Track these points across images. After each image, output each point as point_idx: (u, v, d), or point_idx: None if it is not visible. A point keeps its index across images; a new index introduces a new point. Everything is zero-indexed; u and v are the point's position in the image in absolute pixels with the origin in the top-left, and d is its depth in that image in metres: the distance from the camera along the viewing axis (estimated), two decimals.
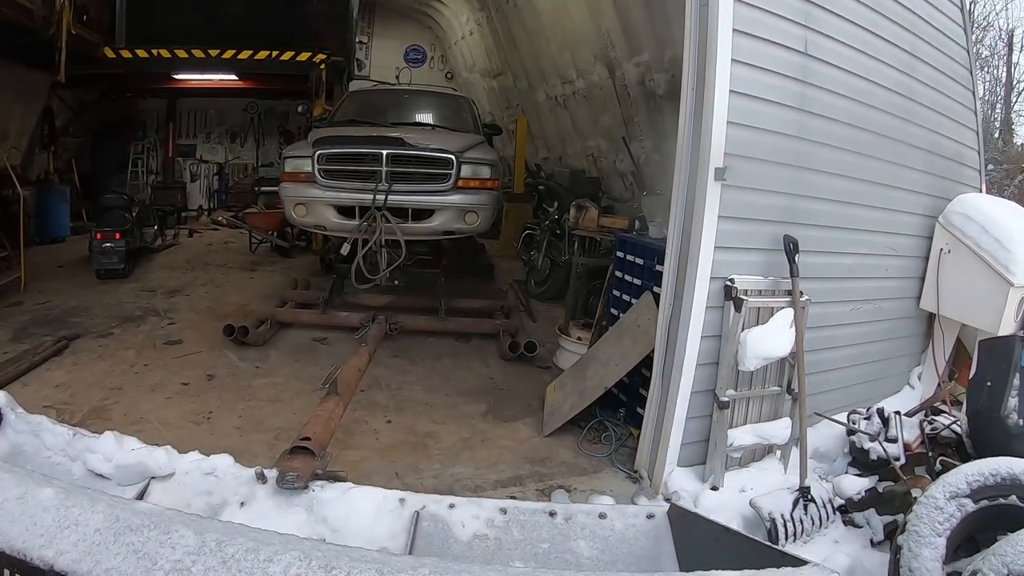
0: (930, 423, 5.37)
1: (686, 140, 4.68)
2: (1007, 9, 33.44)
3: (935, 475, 4.69)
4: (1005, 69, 29.57)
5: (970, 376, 5.48)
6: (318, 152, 7.71)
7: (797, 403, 4.90)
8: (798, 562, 2.71)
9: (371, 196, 7.49)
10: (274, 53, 12.88)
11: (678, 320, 4.77)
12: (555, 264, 9.38)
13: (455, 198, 7.77)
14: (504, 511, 3.60)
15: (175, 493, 3.75)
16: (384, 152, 7.58)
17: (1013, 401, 4.95)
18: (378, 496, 3.70)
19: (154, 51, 12.79)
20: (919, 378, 6.89)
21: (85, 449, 3.90)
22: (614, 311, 6.31)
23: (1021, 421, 4.92)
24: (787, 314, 4.75)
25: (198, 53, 12.98)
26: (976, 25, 29.63)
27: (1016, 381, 4.99)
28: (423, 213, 7.77)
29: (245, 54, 12.96)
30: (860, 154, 5.54)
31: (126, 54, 12.61)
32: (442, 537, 3.52)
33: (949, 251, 6.35)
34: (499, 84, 15.60)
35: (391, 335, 7.46)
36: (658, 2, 8.21)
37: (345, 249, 7.55)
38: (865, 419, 5.28)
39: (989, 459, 3.92)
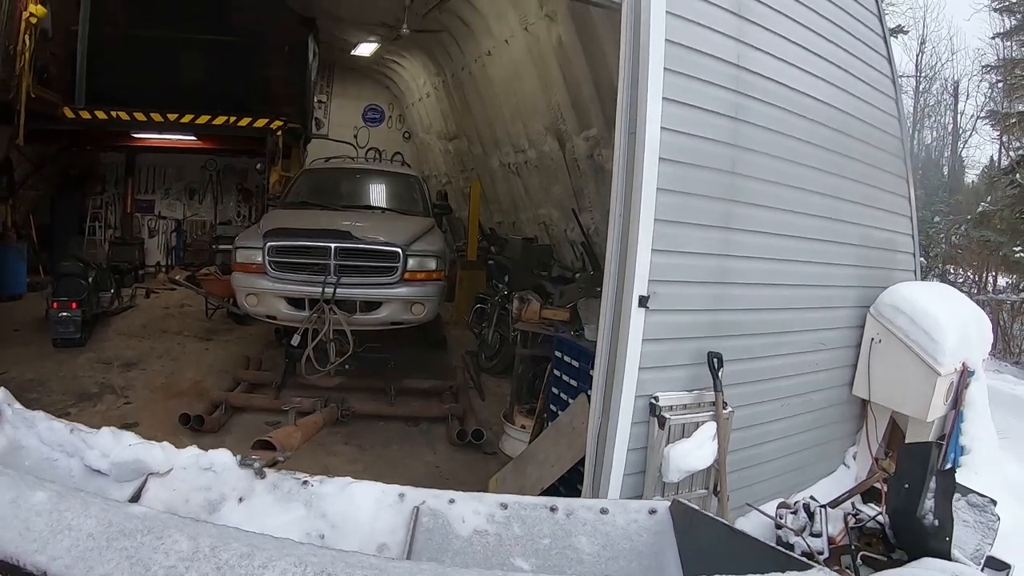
0: (855, 516, 5.57)
1: (613, 269, 4.85)
2: (952, 59, 34.45)
3: (856, 570, 4.94)
4: (951, 118, 30.66)
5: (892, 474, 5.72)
6: (268, 244, 7.89)
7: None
8: (804, 565, 2.75)
9: (320, 288, 7.66)
10: (232, 119, 13.03)
11: (605, 435, 4.92)
12: (505, 340, 9.52)
13: (402, 290, 7.98)
14: (505, 506, 3.57)
15: (173, 489, 3.72)
16: (332, 246, 7.79)
17: (929, 502, 5.18)
18: (377, 491, 3.69)
19: (113, 113, 12.87)
20: (854, 457, 7.09)
21: (83, 445, 3.84)
22: (553, 407, 6.47)
23: (936, 521, 5.15)
24: (710, 427, 4.94)
25: (156, 117, 13.07)
26: (923, 75, 30.58)
27: (932, 484, 5.23)
28: (371, 305, 7.97)
29: (203, 119, 13.09)
30: (787, 260, 5.77)
31: (85, 115, 12.65)
32: (442, 533, 3.49)
33: (880, 341, 6.59)
34: (454, 147, 15.80)
35: (342, 420, 7.56)
36: (605, 82, 8.43)
37: (295, 340, 7.69)
38: (792, 513, 5.46)
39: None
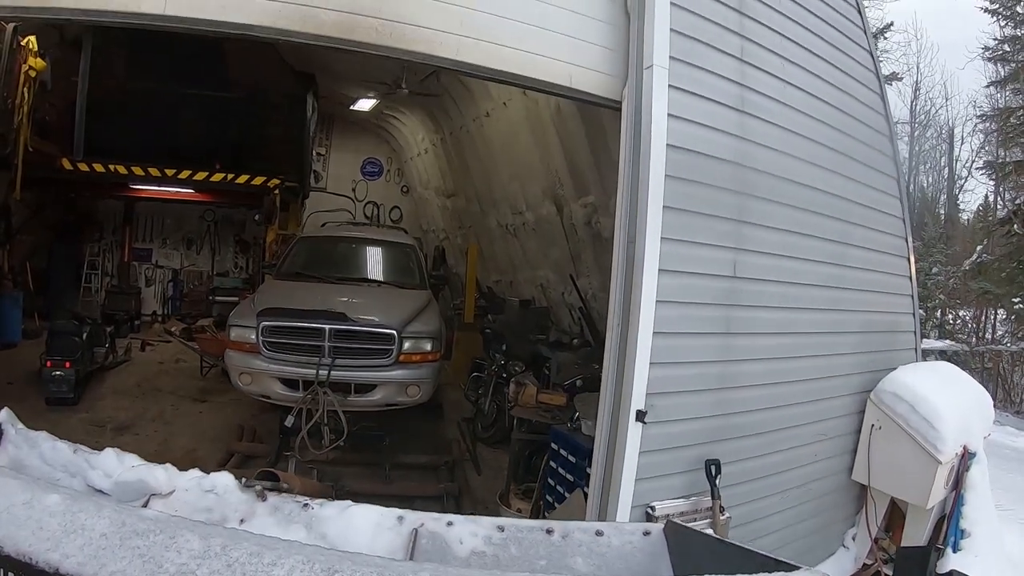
0: None
1: (610, 382, 4.83)
2: (947, 104, 34.85)
3: None
4: (947, 165, 30.92)
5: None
6: (262, 324, 7.86)
7: None
8: (790, 567, 2.77)
9: (314, 370, 7.63)
10: (229, 176, 13.08)
11: None
12: (501, 410, 9.40)
13: (397, 373, 7.98)
14: (502, 528, 3.59)
15: (175, 510, 3.63)
16: (327, 327, 7.76)
17: None
18: (376, 514, 3.68)
19: (111, 166, 12.93)
20: (853, 539, 7.04)
21: (85, 465, 3.85)
22: (549, 498, 6.41)
23: None
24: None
25: (154, 172, 13.15)
26: (917, 122, 30.86)
27: None
28: (365, 387, 7.95)
29: (201, 175, 13.15)
30: (788, 358, 5.76)
31: (83, 167, 12.74)
32: (440, 554, 3.51)
33: (880, 427, 6.55)
34: (452, 204, 15.75)
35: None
36: (603, 151, 8.42)
37: (290, 421, 7.63)
38: None
39: None
